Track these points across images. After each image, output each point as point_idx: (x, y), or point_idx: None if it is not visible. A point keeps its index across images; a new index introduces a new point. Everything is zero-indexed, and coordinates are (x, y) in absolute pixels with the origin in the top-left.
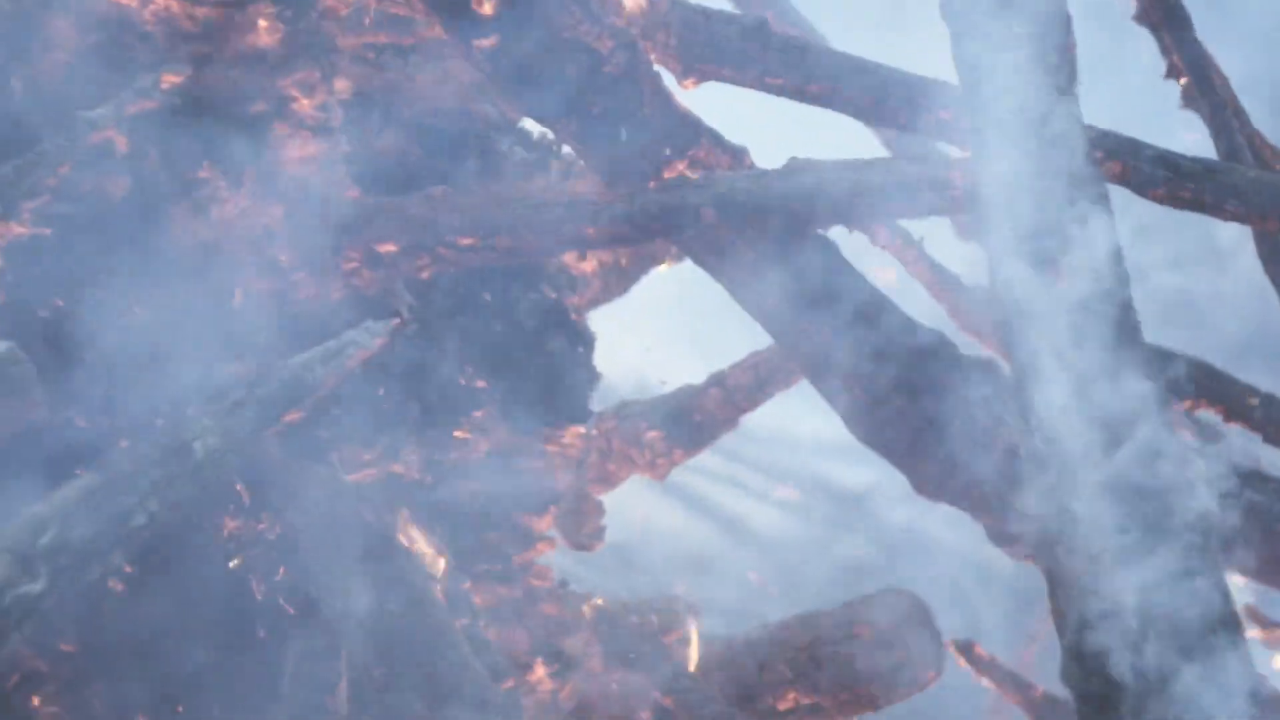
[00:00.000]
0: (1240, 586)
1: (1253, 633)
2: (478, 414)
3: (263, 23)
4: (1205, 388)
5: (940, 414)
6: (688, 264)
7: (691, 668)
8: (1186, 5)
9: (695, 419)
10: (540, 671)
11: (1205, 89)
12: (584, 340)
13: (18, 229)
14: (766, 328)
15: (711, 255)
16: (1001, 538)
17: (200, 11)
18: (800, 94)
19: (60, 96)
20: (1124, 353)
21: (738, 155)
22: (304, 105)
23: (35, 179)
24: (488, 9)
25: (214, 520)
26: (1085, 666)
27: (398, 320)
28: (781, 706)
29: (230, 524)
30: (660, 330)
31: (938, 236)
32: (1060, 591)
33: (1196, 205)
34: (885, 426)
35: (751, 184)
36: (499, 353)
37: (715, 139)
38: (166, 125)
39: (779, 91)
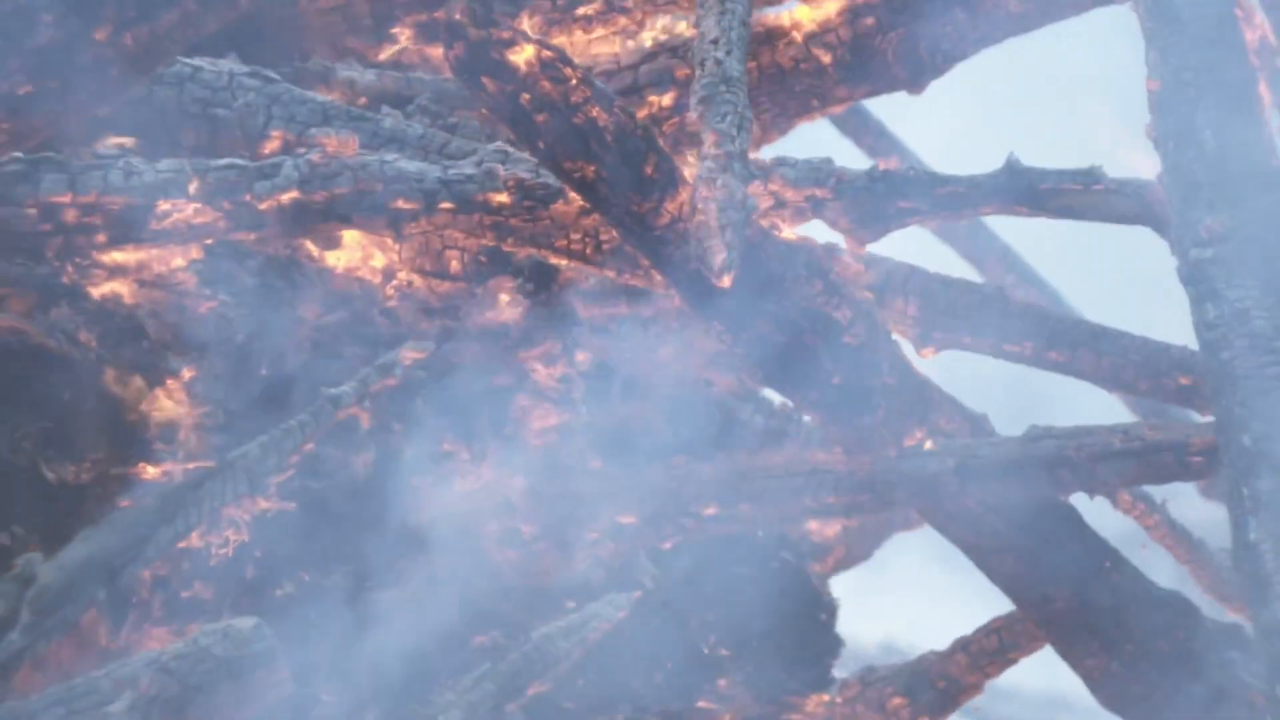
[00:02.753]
0: None
1: None
2: (721, 682)
3: (504, 297)
4: None
5: (1183, 679)
6: (929, 528)
7: None
8: None
9: (939, 685)
10: None
11: None
12: (826, 608)
13: (264, 504)
14: (1007, 592)
15: (951, 521)
16: None
17: (443, 287)
18: (1039, 361)
19: (305, 373)
20: None
21: (976, 422)
22: (545, 377)
23: (281, 456)
24: (726, 282)
25: None
26: None
27: (639, 591)
28: None
29: None
30: (905, 593)
31: (1181, 497)
32: None
33: None
34: (1129, 691)
35: (991, 450)
36: (741, 621)
37: (954, 406)
38: (410, 400)
39: (1017, 358)
